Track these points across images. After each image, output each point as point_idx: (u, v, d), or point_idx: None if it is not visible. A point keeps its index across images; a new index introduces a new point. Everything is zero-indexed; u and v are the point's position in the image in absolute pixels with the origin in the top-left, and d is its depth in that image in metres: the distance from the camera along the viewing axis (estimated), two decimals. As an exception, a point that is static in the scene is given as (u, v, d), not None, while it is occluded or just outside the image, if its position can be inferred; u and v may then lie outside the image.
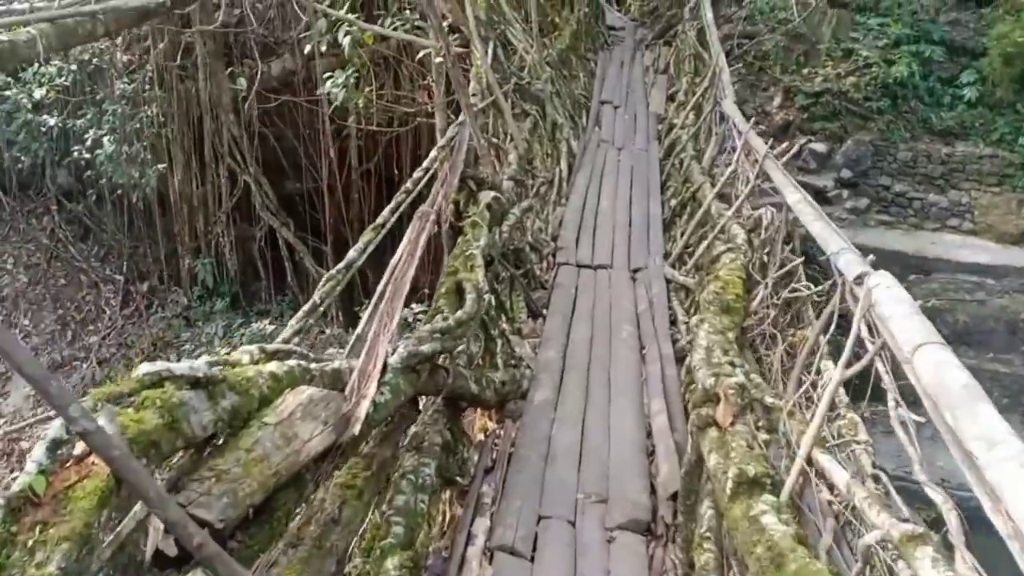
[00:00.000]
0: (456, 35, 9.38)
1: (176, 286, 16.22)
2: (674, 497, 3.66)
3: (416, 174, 5.32)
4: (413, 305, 11.83)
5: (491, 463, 3.97)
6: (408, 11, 10.89)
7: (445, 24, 8.36)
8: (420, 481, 3.15)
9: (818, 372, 3.50)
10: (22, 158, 14.93)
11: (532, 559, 3.45)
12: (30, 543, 1.63)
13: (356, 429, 2.50)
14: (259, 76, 14.51)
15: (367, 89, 12.51)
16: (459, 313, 3.70)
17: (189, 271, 15.86)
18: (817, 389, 3.81)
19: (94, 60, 14.43)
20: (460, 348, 3.95)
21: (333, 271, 3.81)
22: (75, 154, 14.25)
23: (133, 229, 16.25)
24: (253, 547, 2.21)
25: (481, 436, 4.28)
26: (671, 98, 11.88)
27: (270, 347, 2.67)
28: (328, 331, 13.82)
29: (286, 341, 3.17)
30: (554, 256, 7.03)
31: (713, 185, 7.03)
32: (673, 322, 5.82)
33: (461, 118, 6.22)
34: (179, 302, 16.09)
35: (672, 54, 13.51)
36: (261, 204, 15.35)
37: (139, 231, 16.19)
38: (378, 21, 10.70)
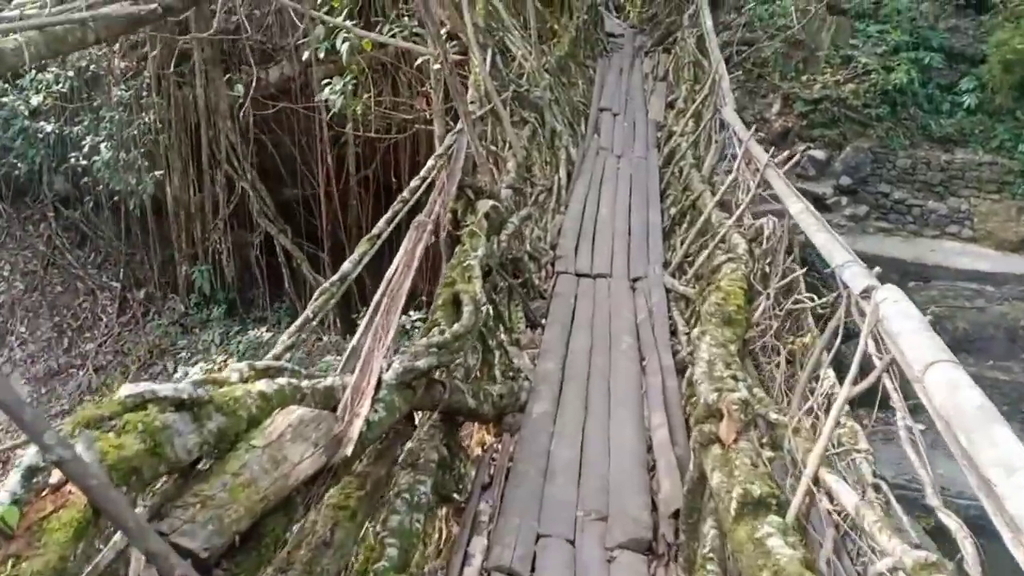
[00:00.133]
0: (454, 42, 9.33)
1: (173, 293, 16.16)
2: (676, 515, 3.57)
3: (413, 183, 5.25)
4: (411, 312, 11.78)
5: (488, 479, 3.89)
6: (406, 18, 10.84)
7: (443, 31, 8.31)
8: (415, 500, 3.07)
9: (823, 389, 3.41)
10: (19, 165, 14.88)
11: (531, 580, 3.37)
12: (2, 578, 1.55)
13: (348, 450, 2.42)
14: (257, 83, 14.48)
15: (365, 96, 12.47)
16: (456, 326, 3.62)
17: (186, 278, 15.80)
18: (818, 398, 3.74)
19: (91, 67, 14.41)
20: (457, 361, 3.87)
21: (327, 284, 3.73)
22: (72, 161, 14.24)
23: (130, 236, 16.20)
24: (240, 576, 2.13)
25: (478, 450, 4.20)
26: (670, 105, 11.83)
27: (260, 364, 2.59)
28: (325, 338, 13.75)
29: (277, 357, 3.08)
30: (553, 265, 6.95)
31: (713, 193, 6.97)
32: (673, 332, 5.74)
33: (459, 126, 6.15)
34: (176, 309, 16.02)
35: (671, 61, 13.46)
36: (259, 211, 15.30)
37: (136, 238, 16.14)
38: (376, 28, 10.65)
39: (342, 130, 13.67)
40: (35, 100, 14.18)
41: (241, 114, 14.35)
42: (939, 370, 2.29)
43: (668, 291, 6.36)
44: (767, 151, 6.06)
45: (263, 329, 14.18)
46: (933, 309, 11.97)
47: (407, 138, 13.86)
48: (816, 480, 2.71)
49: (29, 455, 1.72)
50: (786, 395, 4.54)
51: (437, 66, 8.07)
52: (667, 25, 15.47)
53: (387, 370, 2.94)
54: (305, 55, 12.35)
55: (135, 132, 14.30)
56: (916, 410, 2.54)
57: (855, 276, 3.20)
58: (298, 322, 3.41)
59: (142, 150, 14.36)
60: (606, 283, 6.68)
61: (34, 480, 1.71)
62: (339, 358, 13.09)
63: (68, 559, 1.63)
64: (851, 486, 2.64)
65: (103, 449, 1.85)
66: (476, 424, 4.32)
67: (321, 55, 11.32)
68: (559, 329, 5.68)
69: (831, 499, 2.64)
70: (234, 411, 2.20)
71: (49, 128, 14.28)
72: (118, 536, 1.82)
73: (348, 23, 9.18)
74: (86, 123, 14.30)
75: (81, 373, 15.44)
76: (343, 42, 10.33)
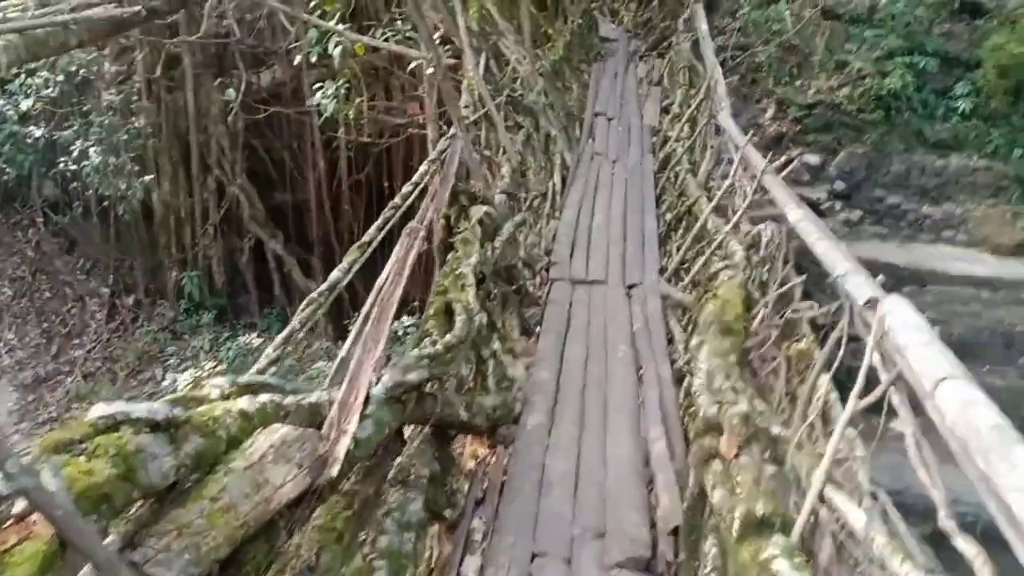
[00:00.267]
0: (448, 46, 9.25)
1: (162, 299, 16.05)
2: (675, 532, 3.47)
3: (405, 188, 5.15)
4: (403, 318, 11.68)
5: (482, 494, 3.77)
6: (399, 22, 10.75)
7: (436, 35, 8.22)
8: (406, 518, 2.96)
9: (825, 400, 3.32)
10: (8, 170, 14.75)
11: (526, 602, 3.26)
12: (-41, 617, 1.44)
13: (334, 471, 2.31)
14: (248, 87, 14.37)
15: (358, 100, 12.37)
16: (448, 337, 3.51)
17: (176, 284, 15.68)
18: (820, 413, 3.65)
19: (81, 71, 14.31)
20: (450, 372, 3.76)
21: (315, 294, 3.62)
22: (61, 165, 14.12)
23: (119, 241, 16.10)
24: (219, 606, 2.01)
25: (471, 464, 4.09)
26: (665, 110, 11.76)
27: (242, 379, 2.48)
28: (316, 344, 13.64)
29: (262, 371, 2.97)
30: (547, 271, 6.85)
31: (710, 199, 6.87)
32: (670, 341, 5.64)
33: (452, 131, 6.06)
34: (165, 315, 15.91)
35: (666, 66, 13.40)
36: (249, 216, 15.19)
37: (125, 243, 16.04)
38: (369, 32, 10.56)
39: (334, 135, 13.57)
40: (24, 104, 14.06)
41: (232, 119, 14.25)
42: (951, 386, 2.19)
43: (664, 298, 6.26)
44: (766, 158, 5.98)
45: (253, 335, 14.07)
46: (928, 314, 11.89)
47: (400, 143, 13.77)
48: (821, 498, 2.61)
49: (-11, 484, 1.60)
50: (786, 405, 4.46)
51: (430, 70, 7.98)
52: (661, 30, 15.42)
53: (376, 384, 2.83)
54: (297, 59, 12.26)
55: (125, 137, 14.21)
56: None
57: (859, 286, 3.11)
58: (284, 334, 3.30)
59: (132, 155, 14.27)
60: (601, 290, 6.57)
61: (-5, 510, 1.60)
62: (330, 364, 12.97)
63: (30, 596, 1.52)
64: (858, 505, 2.53)
65: (72, 475, 1.74)
66: (469, 436, 4.21)
67: (313, 59, 11.22)
68: (554, 337, 5.57)
69: (837, 518, 2.55)
70: (213, 431, 2.08)
71: (38, 133, 14.17)
72: (87, 569, 1.71)
73: (340, 27, 9.08)
74: (75, 128, 14.20)
75: (69, 380, 15.33)
76: (335, 46, 10.23)
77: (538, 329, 5.79)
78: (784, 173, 5.71)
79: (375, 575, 2.58)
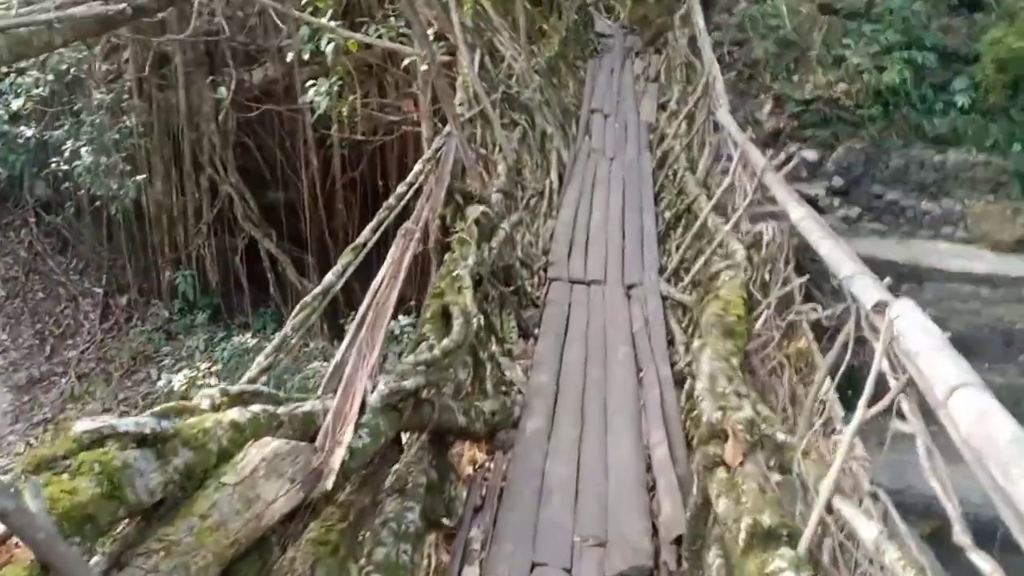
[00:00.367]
0: (442, 43, 9.16)
1: (156, 299, 15.97)
2: (678, 541, 3.39)
3: (400, 188, 5.06)
4: (400, 317, 11.60)
5: (480, 500, 3.70)
6: (393, 18, 10.66)
7: (430, 32, 8.13)
8: (403, 528, 2.88)
9: (831, 411, 3.25)
10: (-1, 170, 14.65)
11: (526, 613, 3.18)
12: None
13: (329, 484, 2.23)
14: (240, 85, 14.27)
15: (351, 97, 12.28)
16: (445, 342, 3.43)
17: (169, 283, 15.60)
18: (827, 419, 3.59)
19: (72, 70, 14.21)
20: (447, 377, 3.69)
21: (308, 297, 3.54)
22: (53, 165, 14.03)
23: (112, 241, 16.00)
24: (210, 626, 1.94)
25: (469, 469, 4.01)
26: (662, 107, 11.68)
27: (234, 388, 2.40)
28: (311, 344, 13.56)
29: (253, 379, 2.89)
30: (545, 271, 6.77)
31: (709, 197, 6.80)
32: (671, 342, 5.57)
33: (447, 129, 5.97)
34: (159, 315, 15.82)
35: (663, 62, 13.31)
36: (243, 215, 15.09)
37: (118, 243, 15.93)
38: (362, 28, 10.47)
39: (327, 132, 13.48)
40: (15, 104, 13.97)
41: (224, 117, 14.14)
42: (965, 395, 2.13)
43: (664, 298, 6.18)
44: (760, 152, 5.91)
45: (248, 335, 13.98)
46: (928, 312, 11.85)
47: (394, 140, 13.67)
48: (829, 509, 2.54)
49: (-35, 507, 1.52)
50: (790, 411, 4.39)
51: (424, 67, 7.89)
52: (658, 26, 15.32)
53: (372, 391, 2.75)
54: (289, 56, 12.16)
55: (116, 136, 14.13)
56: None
57: (866, 288, 3.03)
58: (276, 341, 3.21)
59: (124, 154, 14.19)
60: (600, 290, 6.50)
61: (-29, 535, 1.53)
62: (325, 364, 12.93)
63: (9, 626, 1.44)
64: (868, 517, 2.46)
65: (54, 495, 1.66)
66: (467, 441, 4.13)
67: (306, 56, 11.13)
68: (553, 339, 5.49)
69: (842, 527, 2.48)
70: (203, 445, 2.01)
71: (29, 133, 14.08)
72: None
73: (333, 24, 8.98)
74: (67, 127, 14.12)
75: (64, 381, 15.25)
76: (328, 43, 10.14)
77: (536, 331, 5.71)
78: (784, 171, 5.63)
79: (372, 589, 2.52)
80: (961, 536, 2.01)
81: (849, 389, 3.42)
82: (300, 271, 15.24)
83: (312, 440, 2.44)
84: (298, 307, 3.49)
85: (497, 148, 7.80)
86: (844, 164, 14.53)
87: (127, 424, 1.84)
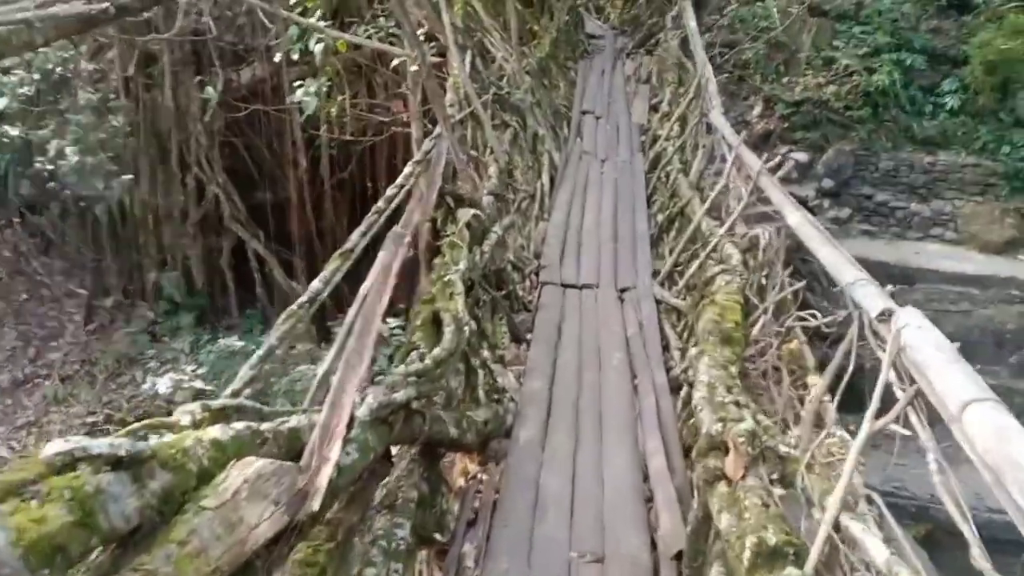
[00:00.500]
0: (432, 43, 9.05)
1: (141, 301, 15.78)
2: (678, 556, 3.30)
3: (389, 191, 4.95)
4: (389, 319, 11.47)
5: (473, 514, 3.59)
6: (382, 18, 10.54)
7: (420, 32, 8.02)
8: (393, 546, 2.77)
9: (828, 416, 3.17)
10: (-17, 170, 14.45)
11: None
12: None
13: (315, 505, 2.12)
14: (228, 85, 14.12)
15: (340, 98, 12.16)
16: (437, 351, 3.32)
17: (155, 285, 15.43)
18: (828, 426, 3.50)
19: (58, 69, 14.02)
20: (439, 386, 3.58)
21: (293, 306, 3.42)
22: (38, 165, 13.85)
23: (97, 242, 15.81)
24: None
25: (462, 481, 3.90)
26: (654, 108, 11.61)
27: (215, 403, 2.29)
28: (299, 347, 13.41)
29: (236, 393, 2.77)
30: (537, 275, 6.67)
31: (703, 200, 6.71)
32: (665, 347, 5.48)
33: (438, 131, 5.86)
34: (145, 317, 15.64)
35: (654, 63, 13.25)
36: (230, 215, 14.93)
37: (103, 244, 15.74)
38: (351, 28, 10.35)
39: (316, 133, 13.35)
40: (0, 103, 13.76)
41: (211, 117, 13.99)
42: (980, 411, 2.04)
43: (658, 303, 6.10)
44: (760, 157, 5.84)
45: (234, 337, 13.84)
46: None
47: (384, 141, 13.55)
48: (837, 527, 2.46)
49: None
50: (788, 418, 4.31)
51: (414, 68, 7.78)
52: (649, 27, 15.27)
53: (360, 405, 2.64)
54: (278, 56, 12.03)
55: (102, 136, 13.95)
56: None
57: (869, 296, 2.95)
58: (261, 351, 3.10)
59: (110, 154, 14.01)
60: (593, 294, 6.41)
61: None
62: (313, 367, 12.75)
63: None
64: (877, 536, 2.38)
65: (21, 525, 1.55)
66: (459, 453, 4.02)
67: (295, 56, 11.00)
68: (545, 345, 5.39)
69: (855, 549, 2.39)
70: (182, 465, 1.89)
71: (14, 132, 13.87)
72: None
73: (320, 24, 8.86)
74: (52, 127, 13.93)
75: (47, 383, 15.03)
76: (317, 43, 10.02)
77: (529, 336, 5.61)
78: (780, 174, 5.56)
79: (361, 612, 2.41)
80: (980, 561, 1.92)
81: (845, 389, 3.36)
82: (287, 272, 15.09)
83: (298, 457, 2.33)
84: (283, 316, 3.38)
85: (488, 150, 7.71)
86: (834, 166, 14.55)
87: (100, 446, 1.73)
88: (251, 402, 2.43)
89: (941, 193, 14.43)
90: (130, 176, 14.24)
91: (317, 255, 14.63)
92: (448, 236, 4.95)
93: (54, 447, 1.75)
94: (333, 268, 3.82)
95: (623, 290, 6.47)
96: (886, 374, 2.56)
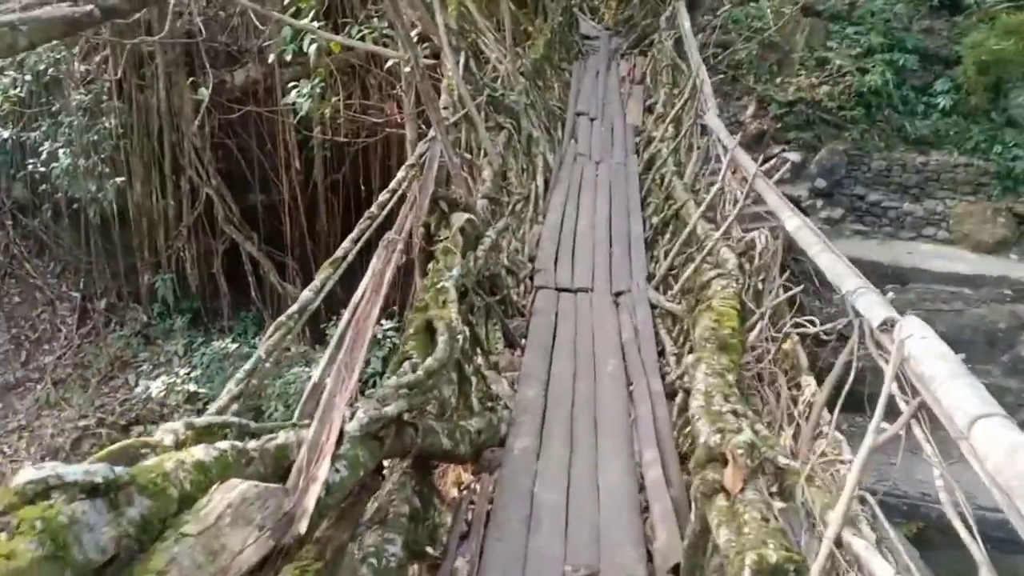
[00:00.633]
0: (426, 44, 8.98)
1: (135, 303, 15.68)
2: (675, 570, 3.24)
3: (382, 196, 4.88)
4: (383, 321, 11.40)
5: (466, 527, 3.53)
6: (376, 19, 10.47)
7: (414, 33, 7.94)
8: (384, 563, 2.70)
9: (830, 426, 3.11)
10: (-25, 173, 14.37)
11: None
12: None
13: (302, 527, 2.05)
14: (222, 86, 14.03)
15: (334, 99, 12.08)
16: (429, 361, 3.25)
17: (148, 287, 15.33)
18: (830, 438, 3.45)
19: (50, 70, 13.93)
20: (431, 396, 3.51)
21: (283, 317, 3.35)
22: (30, 167, 13.78)
23: (90, 244, 15.69)
24: None
25: (455, 491, 3.84)
26: (649, 109, 11.55)
27: (200, 421, 2.21)
28: (293, 349, 13.33)
29: (222, 410, 2.70)
30: (531, 279, 6.61)
31: (698, 203, 6.65)
32: (661, 353, 5.42)
33: (431, 133, 5.79)
34: (138, 319, 15.54)
35: (648, 64, 13.19)
36: (224, 217, 14.84)
37: (97, 246, 15.62)
38: (345, 29, 10.28)
39: (309, 134, 13.27)
40: (-9, 105, 13.69)
41: (205, 118, 13.90)
42: (989, 427, 1.98)
43: (653, 307, 6.03)
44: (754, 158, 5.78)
45: (228, 340, 13.77)
46: (911, 313, 11.85)
47: (378, 142, 13.49)
48: (839, 542, 2.40)
49: None
50: (784, 426, 4.26)
51: (408, 69, 7.71)
52: (643, 27, 15.23)
53: (350, 420, 2.57)
54: (271, 57, 11.94)
55: (95, 137, 13.88)
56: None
57: (872, 305, 2.89)
58: (248, 365, 3.03)
59: (103, 156, 13.94)
60: (588, 298, 6.34)
61: None
62: (307, 370, 12.66)
63: None
64: (881, 552, 2.32)
65: (-12, 560, 1.48)
66: (452, 463, 3.95)
67: (288, 57, 10.92)
68: (540, 350, 5.33)
69: (857, 567, 2.33)
70: (162, 490, 1.82)
71: (6, 134, 13.83)
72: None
73: (313, 25, 8.78)
74: (44, 128, 13.87)
75: (39, 387, 14.93)
76: (311, 44, 9.95)
77: (523, 341, 5.54)
78: (776, 177, 5.50)
79: (351, 633, 2.34)
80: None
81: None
82: (281, 274, 15.01)
83: (286, 475, 2.26)
84: (272, 327, 3.30)
85: (482, 152, 7.64)
86: (827, 166, 14.59)
87: (75, 472, 1.65)
88: (237, 418, 2.36)
89: (933, 193, 14.49)
90: (123, 178, 14.15)
91: (311, 257, 14.56)
92: (442, 241, 4.88)
93: (25, 475, 1.68)
94: (324, 277, 3.74)
95: (618, 294, 6.41)
96: (889, 386, 2.51)
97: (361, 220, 4.40)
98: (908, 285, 13.25)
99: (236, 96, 14.32)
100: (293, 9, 9.75)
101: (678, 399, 4.53)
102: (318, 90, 11.15)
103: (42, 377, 15.24)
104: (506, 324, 5.58)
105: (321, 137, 13.17)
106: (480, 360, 4.83)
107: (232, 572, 1.82)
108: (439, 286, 4.12)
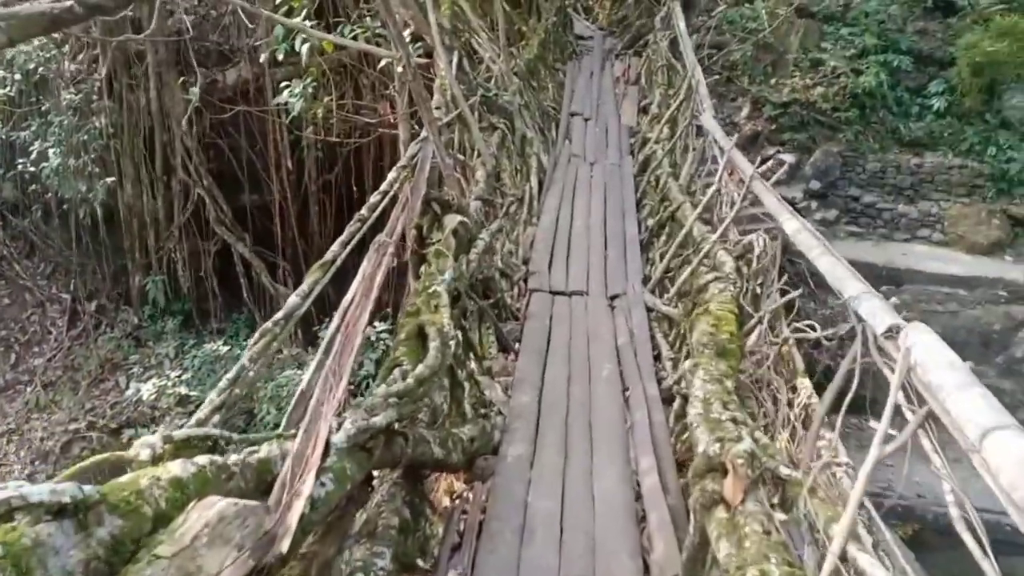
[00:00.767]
0: (419, 44, 8.89)
1: (126, 305, 15.55)
2: (673, 582, 3.16)
3: (373, 198, 4.78)
4: (376, 323, 11.29)
5: (459, 538, 3.43)
6: (369, 18, 10.37)
7: (407, 33, 7.85)
8: (373, 578, 2.61)
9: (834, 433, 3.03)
10: (-36, 172, 14.24)
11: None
12: None
13: (284, 546, 1.95)
14: (213, 85, 13.93)
15: (326, 99, 11.99)
16: (420, 368, 3.15)
17: (139, 289, 15.19)
18: (833, 448, 3.38)
19: (40, 69, 13.81)
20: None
21: (268, 324, 3.25)
22: (20, 167, 13.66)
23: (81, 245, 15.57)
24: None
25: (446, 500, 3.74)
26: (644, 110, 11.48)
27: (179, 434, 2.12)
28: (286, 351, 13.23)
29: (202, 422, 2.60)
30: (526, 282, 6.51)
31: (694, 205, 6.57)
32: (656, 357, 5.33)
33: (424, 134, 5.70)
34: (129, 321, 15.41)
35: (643, 64, 13.12)
36: (215, 218, 14.72)
37: (87, 247, 15.50)
38: (337, 28, 10.18)
39: (302, 134, 13.16)
40: (-20, 105, 13.58)
41: (196, 118, 13.78)
42: (1002, 440, 1.90)
43: (649, 310, 5.95)
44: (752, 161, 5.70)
45: (220, 342, 13.65)
46: (906, 314, 11.83)
47: (371, 142, 13.39)
48: (843, 557, 2.31)
49: None
50: (781, 429, 4.19)
51: (400, 69, 7.61)
52: (638, 28, 15.16)
53: (337, 431, 2.47)
54: (263, 57, 11.83)
55: (85, 137, 13.77)
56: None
57: (875, 311, 2.80)
58: (231, 374, 2.92)
59: (93, 156, 13.83)
60: (583, 301, 6.25)
61: None
62: (300, 372, 12.53)
63: None
64: (877, 555, 2.23)
65: (-55, 587, 1.38)
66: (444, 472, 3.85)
67: (280, 57, 10.82)
68: (534, 355, 5.23)
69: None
70: (135, 509, 1.72)
71: (-5, 134, 13.69)
72: None
73: (305, 24, 8.68)
74: (34, 128, 13.75)
75: (29, 390, 14.81)
76: (303, 43, 9.85)
77: (517, 345, 5.45)
78: (774, 179, 5.42)
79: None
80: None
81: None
82: (273, 275, 14.89)
83: (269, 490, 2.16)
84: (257, 334, 3.20)
85: (475, 153, 7.55)
86: (821, 167, 14.58)
87: (40, 493, 1.56)
88: (218, 430, 2.26)
89: (928, 194, 14.49)
90: (113, 178, 14.03)
91: (303, 258, 14.46)
92: (434, 244, 4.79)
93: (-10, 494, 1.58)
94: (312, 281, 3.64)
95: (613, 297, 6.33)
96: (895, 396, 2.42)
97: (351, 222, 4.30)
98: (903, 287, 13.24)
99: (228, 96, 14.20)
100: (285, 8, 9.65)
101: (675, 405, 4.45)
102: (310, 90, 11.06)
103: (32, 380, 15.12)
104: (499, 328, 5.49)
105: (313, 137, 13.07)
106: (473, 365, 4.73)
107: (209, 595, 1.72)
108: (431, 290, 4.03)
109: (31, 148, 13.56)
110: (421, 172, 5.17)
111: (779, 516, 2.70)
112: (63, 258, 16.01)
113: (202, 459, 1.98)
